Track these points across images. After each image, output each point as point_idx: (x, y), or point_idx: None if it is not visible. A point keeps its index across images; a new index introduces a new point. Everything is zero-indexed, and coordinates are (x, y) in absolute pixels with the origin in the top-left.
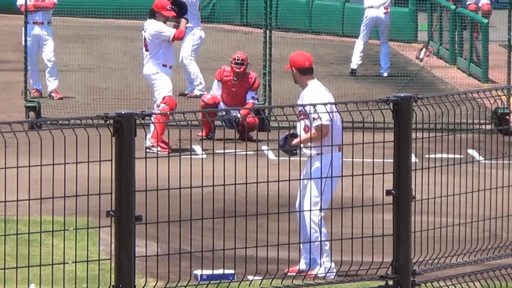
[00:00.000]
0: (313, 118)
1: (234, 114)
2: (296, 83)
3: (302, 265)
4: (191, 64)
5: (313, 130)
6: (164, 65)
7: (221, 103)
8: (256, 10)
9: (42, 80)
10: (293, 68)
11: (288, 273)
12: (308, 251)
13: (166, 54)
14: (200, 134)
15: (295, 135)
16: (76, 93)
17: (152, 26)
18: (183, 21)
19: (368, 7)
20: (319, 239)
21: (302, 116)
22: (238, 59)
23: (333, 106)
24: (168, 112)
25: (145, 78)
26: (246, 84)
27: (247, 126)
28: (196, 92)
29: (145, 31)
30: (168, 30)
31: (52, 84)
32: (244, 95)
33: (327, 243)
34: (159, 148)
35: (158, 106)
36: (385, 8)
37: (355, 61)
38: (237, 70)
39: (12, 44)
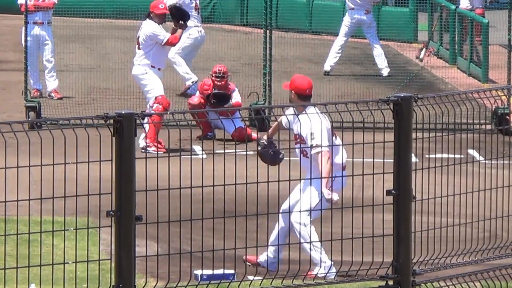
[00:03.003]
0: (312, 145)
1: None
2: (291, 102)
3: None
4: (176, 57)
5: (319, 160)
6: (153, 66)
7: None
8: (256, 10)
9: (42, 80)
10: (292, 91)
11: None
12: (277, 252)
13: (157, 56)
14: (199, 136)
15: (271, 142)
16: (76, 93)
17: (148, 27)
18: (179, 29)
19: (350, 9)
20: (311, 244)
21: (298, 140)
22: (219, 72)
23: (329, 129)
24: (169, 112)
25: (134, 78)
26: None
27: (239, 138)
28: (188, 83)
29: (140, 30)
30: (163, 34)
31: (51, 84)
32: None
33: (319, 243)
34: (154, 148)
35: (151, 106)
36: (366, 10)
37: (329, 62)
38: (218, 83)
39: (12, 44)
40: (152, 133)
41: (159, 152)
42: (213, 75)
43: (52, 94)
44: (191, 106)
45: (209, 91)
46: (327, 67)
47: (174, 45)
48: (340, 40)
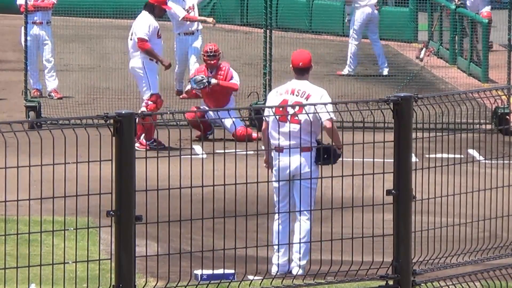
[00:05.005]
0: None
1: (200, 77)
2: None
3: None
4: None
5: (328, 125)
6: (151, 60)
7: (205, 106)
8: (256, 10)
9: (42, 80)
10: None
11: None
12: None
13: (154, 48)
14: (198, 136)
15: (319, 142)
16: (76, 93)
17: (141, 19)
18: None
19: (357, 6)
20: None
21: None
22: (210, 51)
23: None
24: (169, 112)
25: (131, 70)
26: (221, 77)
27: (239, 138)
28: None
29: (136, 20)
30: (145, 32)
31: (51, 84)
32: (223, 90)
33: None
34: (138, 145)
35: (145, 102)
36: (376, 6)
37: (350, 66)
38: (210, 62)
39: (12, 44)
40: (138, 131)
41: (141, 150)
42: (205, 54)
43: (52, 94)
44: (187, 96)
45: (203, 72)
46: (345, 71)
47: (141, 49)
48: (354, 43)
